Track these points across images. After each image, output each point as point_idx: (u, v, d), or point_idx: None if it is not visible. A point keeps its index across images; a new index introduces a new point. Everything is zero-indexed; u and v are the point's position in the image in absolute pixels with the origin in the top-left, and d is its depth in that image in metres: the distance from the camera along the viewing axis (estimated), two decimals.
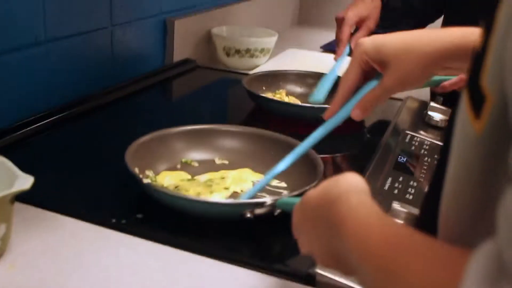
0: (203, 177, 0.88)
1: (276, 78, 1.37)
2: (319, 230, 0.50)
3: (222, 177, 0.88)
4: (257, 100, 1.23)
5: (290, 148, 0.85)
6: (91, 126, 1.12)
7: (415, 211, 0.80)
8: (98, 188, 0.86)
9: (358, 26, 1.28)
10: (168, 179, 0.86)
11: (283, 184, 0.88)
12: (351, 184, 0.49)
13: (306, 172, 0.85)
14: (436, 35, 0.69)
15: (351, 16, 1.25)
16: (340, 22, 1.27)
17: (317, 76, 1.25)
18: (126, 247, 0.70)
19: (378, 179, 0.93)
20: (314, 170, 0.83)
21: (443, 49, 0.67)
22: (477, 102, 0.35)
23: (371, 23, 1.27)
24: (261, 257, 0.71)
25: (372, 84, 0.73)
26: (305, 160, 0.86)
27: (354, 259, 0.43)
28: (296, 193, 0.76)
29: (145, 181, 0.76)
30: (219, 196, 0.81)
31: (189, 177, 0.88)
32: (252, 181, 0.88)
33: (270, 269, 0.68)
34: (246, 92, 1.22)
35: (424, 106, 1.30)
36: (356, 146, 1.18)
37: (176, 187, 0.83)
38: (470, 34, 0.66)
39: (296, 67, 1.48)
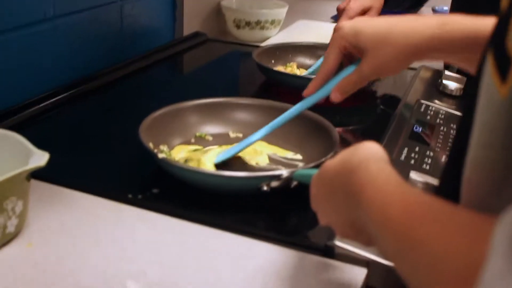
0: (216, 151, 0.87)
1: (286, 50, 1.35)
2: (338, 200, 0.50)
3: None
4: (267, 74, 1.22)
5: (303, 119, 0.86)
6: (102, 102, 1.12)
7: (433, 181, 0.79)
8: (113, 164, 0.86)
9: None
10: (182, 154, 0.85)
11: (299, 156, 0.88)
12: (370, 152, 0.49)
13: (321, 144, 0.84)
14: (416, 26, 0.68)
15: (354, 7, 1.20)
16: (341, 13, 1.22)
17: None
18: (142, 222, 0.70)
19: (394, 149, 0.92)
20: (330, 141, 0.83)
21: (421, 42, 0.67)
22: (503, 65, 0.34)
23: (373, 14, 1.23)
24: (278, 230, 0.71)
25: (351, 69, 0.74)
26: (320, 131, 0.86)
27: (373, 228, 0.42)
28: (312, 164, 0.75)
29: (160, 155, 0.75)
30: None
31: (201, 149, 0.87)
32: (268, 154, 0.87)
33: (287, 242, 0.68)
34: (257, 66, 1.21)
35: (438, 75, 1.28)
36: (370, 117, 1.17)
37: (185, 160, 0.82)
38: (453, 23, 0.65)
39: (306, 38, 1.46)
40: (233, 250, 0.66)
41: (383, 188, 0.43)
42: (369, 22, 0.72)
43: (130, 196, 0.75)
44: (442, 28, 0.66)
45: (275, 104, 0.94)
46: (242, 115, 0.95)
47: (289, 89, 1.15)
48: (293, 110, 0.80)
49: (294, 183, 0.71)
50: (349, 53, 0.75)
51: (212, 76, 1.34)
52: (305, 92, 0.78)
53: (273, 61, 1.32)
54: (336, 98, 0.75)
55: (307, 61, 1.35)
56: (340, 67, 0.77)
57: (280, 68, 1.29)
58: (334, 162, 0.52)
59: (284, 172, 0.72)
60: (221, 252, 0.66)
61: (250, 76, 1.34)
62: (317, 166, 0.73)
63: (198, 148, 0.88)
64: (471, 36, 0.64)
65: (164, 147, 0.85)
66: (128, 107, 1.10)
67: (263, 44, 1.44)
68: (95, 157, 0.88)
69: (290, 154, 0.87)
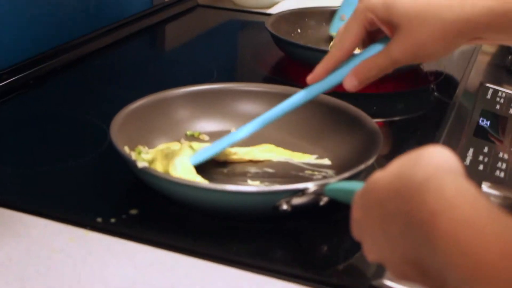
0: None
1: (309, 16, 1.35)
2: (394, 230, 0.48)
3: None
4: (288, 48, 1.21)
5: (328, 110, 0.86)
6: (63, 89, 1.11)
7: None
8: (76, 175, 0.84)
9: None
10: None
11: (326, 162, 0.86)
12: (440, 163, 0.47)
13: (358, 144, 0.83)
14: None
15: None
16: None
17: None
18: (116, 257, 0.68)
19: (455, 151, 0.88)
20: (370, 141, 0.81)
21: (472, 17, 0.67)
22: None
23: None
24: (303, 264, 0.69)
25: (376, 49, 0.74)
26: (356, 127, 0.85)
27: (455, 274, 0.41)
28: (347, 175, 0.73)
29: (140, 164, 0.73)
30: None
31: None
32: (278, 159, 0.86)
33: (315, 280, 0.66)
34: (272, 39, 1.20)
35: (506, 50, 1.27)
36: (421, 106, 1.15)
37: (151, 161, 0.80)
38: None
39: (328, 2, 1.45)
40: None
41: (469, 220, 0.41)
42: None
43: (99, 220, 0.73)
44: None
45: (293, 90, 0.91)
46: (248, 107, 0.94)
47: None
48: (292, 100, 0.80)
49: (325, 199, 0.70)
50: (375, 30, 0.74)
51: (205, 54, 1.33)
52: (310, 78, 0.77)
53: (293, 34, 1.31)
54: (351, 85, 0.75)
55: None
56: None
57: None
58: (387, 175, 0.50)
59: (310, 185, 0.70)
60: None
61: (256, 53, 1.33)
62: (353, 177, 0.70)
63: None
64: None
65: (143, 149, 0.83)
66: (95, 95, 1.09)
67: (275, 12, 1.41)
68: (51, 166, 0.85)
69: (312, 159, 0.86)
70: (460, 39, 0.69)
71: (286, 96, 0.90)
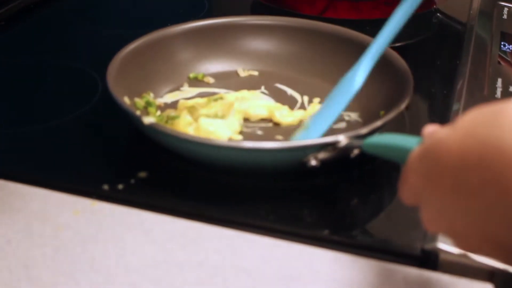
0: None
1: None
2: (477, 203, 0.44)
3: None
4: None
5: (361, 48, 0.79)
6: (36, 31, 1.04)
7: None
8: (71, 135, 0.79)
9: None
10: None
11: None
12: None
13: (378, 82, 0.78)
14: None
15: None
16: None
17: None
18: (133, 231, 0.62)
19: (482, 83, 0.85)
20: (398, 81, 0.76)
21: None
22: None
23: None
24: (342, 229, 0.65)
25: None
26: (381, 65, 0.78)
27: None
28: (379, 123, 0.68)
29: (147, 120, 0.67)
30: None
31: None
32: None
33: (359, 246, 0.62)
34: None
35: None
36: (431, 30, 1.10)
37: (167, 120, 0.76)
38: None
39: None
40: (274, 264, 0.59)
41: None
42: None
43: (105, 187, 0.68)
44: None
45: (313, 24, 0.89)
46: (258, 43, 0.89)
47: None
48: (398, 16, 0.74)
49: (356, 151, 0.65)
50: None
51: None
52: None
53: None
54: None
55: None
56: None
57: None
58: (458, 136, 0.46)
59: (341, 138, 0.65)
60: (251, 265, 0.58)
61: None
62: (384, 126, 0.68)
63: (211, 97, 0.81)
64: None
65: (149, 96, 0.79)
66: (72, 36, 1.04)
67: None
68: (42, 125, 0.80)
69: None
70: None
71: (295, 29, 0.88)
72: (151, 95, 0.80)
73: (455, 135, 0.46)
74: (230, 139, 0.73)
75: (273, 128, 0.76)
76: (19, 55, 0.98)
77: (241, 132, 0.75)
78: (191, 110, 0.76)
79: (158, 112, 0.77)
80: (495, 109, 0.44)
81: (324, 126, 0.73)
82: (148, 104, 0.77)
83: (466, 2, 1.11)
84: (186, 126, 0.73)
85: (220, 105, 0.77)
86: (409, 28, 1.03)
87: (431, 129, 0.51)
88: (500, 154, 0.42)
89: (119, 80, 0.74)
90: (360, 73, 0.74)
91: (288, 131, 0.75)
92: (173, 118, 0.74)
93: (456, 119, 0.47)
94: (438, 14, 1.15)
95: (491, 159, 0.43)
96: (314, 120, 0.74)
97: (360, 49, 0.77)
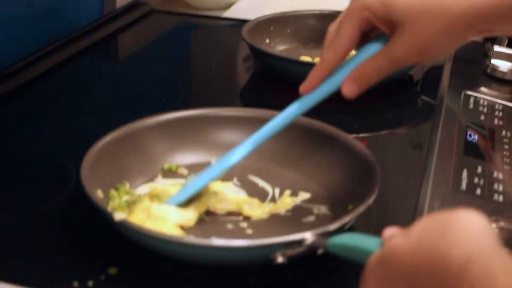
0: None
1: (289, 23, 1.31)
2: None
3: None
4: (274, 63, 1.16)
5: (332, 139, 0.82)
6: (12, 119, 1.03)
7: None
8: (41, 228, 0.77)
9: None
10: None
11: (306, 195, 0.81)
12: (477, 235, 0.45)
13: (347, 175, 0.79)
14: None
15: None
16: None
17: None
18: None
19: (448, 174, 0.86)
20: (364, 172, 0.76)
21: (483, 8, 0.65)
22: None
23: None
24: None
25: (374, 49, 0.70)
26: (346, 153, 0.81)
27: None
28: (347, 219, 0.68)
29: (117, 216, 0.67)
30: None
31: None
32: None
33: None
34: (252, 52, 1.19)
35: (479, 49, 1.27)
36: (405, 119, 1.13)
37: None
38: None
39: (299, 5, 1.40)
40: None
41: None
42: None
43: (75, 284, 0.66)
44: None
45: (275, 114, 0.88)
46: (228, 134, 0.89)
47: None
48: (285, 114, 0.74)
49: (320, 250, 0.65)
50: (369, 30, 0.71)
51: (165, 67, 1.28)
52: (303, 88, 0.72)
53: (267, 41, 1.26)
54: (350, 92, 0.70)
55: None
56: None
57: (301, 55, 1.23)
58: (410, 244, 0.48)
59: (308, 235, 0.65)
60: None
61: (228, 63, 1.31)
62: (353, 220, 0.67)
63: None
64: None
65: (125, 188, 0.78)
66: (48, 123, 1.02)
67: (253, 18, 1.31)
68: (10, 218, 0.78)
69: (286, 194, 0.81)
70: (469, 33, 0.67)
71: (267, 121, 0.86)
72: (127, 185, 0.79)
73: (408, 244, 0.47)
74: (181, 227, 0.73)
75: (242, 221, 0.76)
76: None
77: (206, 224, 0.75)
78: (160, 195, 0.77)
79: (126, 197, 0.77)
80: (443, 219, 0.46)
81: (190, 191, 0.76)
82: (125, 193, 0.77)
83: (435, 91, 1.13)
84: (143, 211, 0.73)
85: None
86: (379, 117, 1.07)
87: (389, 233, 0.52)
88: (445, 264, 0.44)
89: (93, 173, 0.74)
90: (236, 155, 0.76)
91: (258, 225, 0.75)
92: (134, 202, 0.74)
93: (414, 223, 0.49)
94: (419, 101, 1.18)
95: (438, 269, 0.44)
96: (187, 185, 0.77)
97: (331, 141, 0.80)
